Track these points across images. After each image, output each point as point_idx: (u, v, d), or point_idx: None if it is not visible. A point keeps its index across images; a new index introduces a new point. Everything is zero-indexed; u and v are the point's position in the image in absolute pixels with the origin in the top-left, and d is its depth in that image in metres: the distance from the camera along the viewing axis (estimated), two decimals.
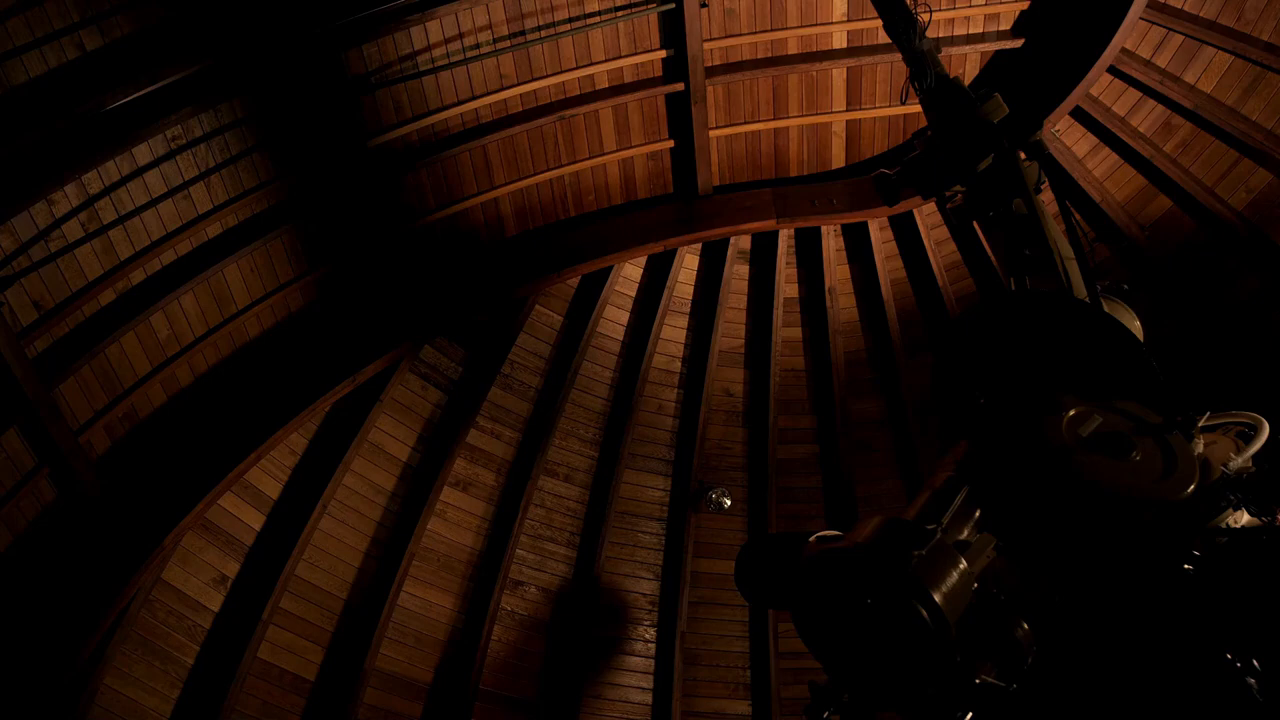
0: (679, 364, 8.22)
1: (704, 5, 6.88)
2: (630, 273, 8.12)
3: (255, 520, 6.87)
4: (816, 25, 7.20)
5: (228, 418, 6.65)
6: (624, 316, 8.15)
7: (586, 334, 7.90)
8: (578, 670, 7.62)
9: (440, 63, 6.58)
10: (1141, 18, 6.78)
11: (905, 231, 7.99)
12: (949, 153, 3.00)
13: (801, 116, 7.64)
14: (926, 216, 7.86)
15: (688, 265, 8.19)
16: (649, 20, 6.99)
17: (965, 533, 2.01)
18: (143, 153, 5.73)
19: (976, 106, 3.03)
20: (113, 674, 6.16)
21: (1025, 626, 1.78)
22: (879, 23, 7.01)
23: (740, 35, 7.18)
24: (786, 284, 8.14)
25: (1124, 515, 1.92)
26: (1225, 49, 6.70)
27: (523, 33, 6.73)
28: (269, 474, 6.92)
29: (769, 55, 7.36)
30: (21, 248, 5.40)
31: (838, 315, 8.08)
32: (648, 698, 7.76)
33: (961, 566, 1.79)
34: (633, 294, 8.16)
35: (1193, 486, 1.99)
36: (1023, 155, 3.08)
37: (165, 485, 6.36)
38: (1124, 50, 6.97)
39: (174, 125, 5.76)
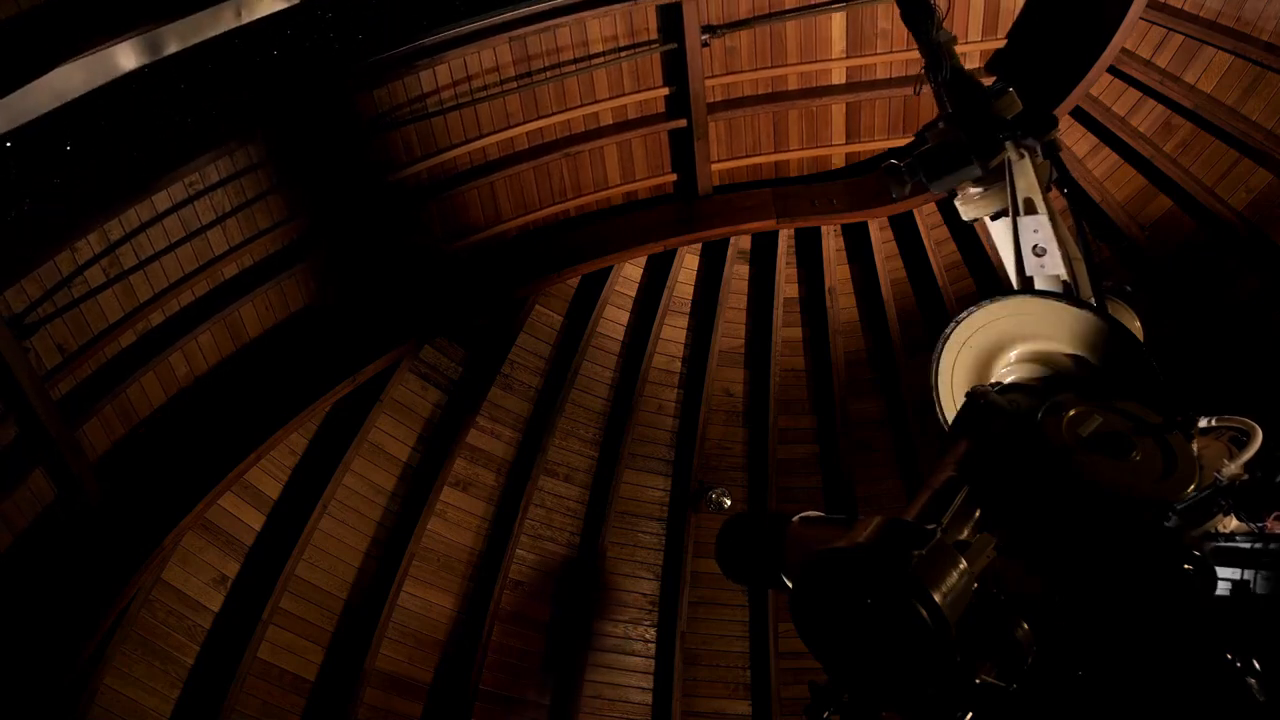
0: (679, 364, 8.22)
1: (706, 45, 6.97)
2: (630, 273, 8.12)
3: (255, 520, 6.86)
4: (816, 62, 7.33)
5: (228, 418, 6.66)
6: (624, 316, 8.15)
7: (586, 334, 7.90)
8: (578, 670, 7.62)
9: (449, 104, 6.74)
10: (1141, 18, 6.78)
11: (905, 231, 8.00)
12: (961, 148, 2.96)
13: (802, 150, 7.77)
14: (926, 216, 7.87)
15: (688, 265, 8.19)
16: (652, 59, 7.13)
17: (965, 533, 2.01)
18: (162, 199, 5.90)
19: (991, 101, 2.98)
20: (113, 674, 6.16)
21: (1025, 626, 1.78)
22: (877, 59, 7.34)
23: (741, 72, 7.32)
24: (786, 284, 8.15)
25: (1124, 515, 1.93)
26: (1225, 49, 6.70)
27: (529, 74, 6.87)
28: (269, 474, 6.92)
29: (770, 91, 7.51)
30: (46, 294, 5.54)
31: (838, 315, 8.08)
32: (648, 698, 7.76)
33: (961, 566, 1.79)
34: (633, 294, 8.16)
35: (1193, 486, 1.99)
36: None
37: (165, 485, 6.35)
38: (1124, 50, 6.97)
39: (192, 172, 5.92)
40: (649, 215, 7.81)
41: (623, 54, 6.99)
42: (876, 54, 7.29)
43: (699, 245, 8.09)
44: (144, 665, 6.31)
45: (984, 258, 7.84)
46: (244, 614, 6.67)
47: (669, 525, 8.04)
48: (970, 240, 7.89)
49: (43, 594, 5.86)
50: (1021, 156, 2.85)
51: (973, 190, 3.05)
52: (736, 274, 8.18)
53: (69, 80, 4.93)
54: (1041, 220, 2.82)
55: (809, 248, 8.09)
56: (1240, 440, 2.31)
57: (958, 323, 2.74)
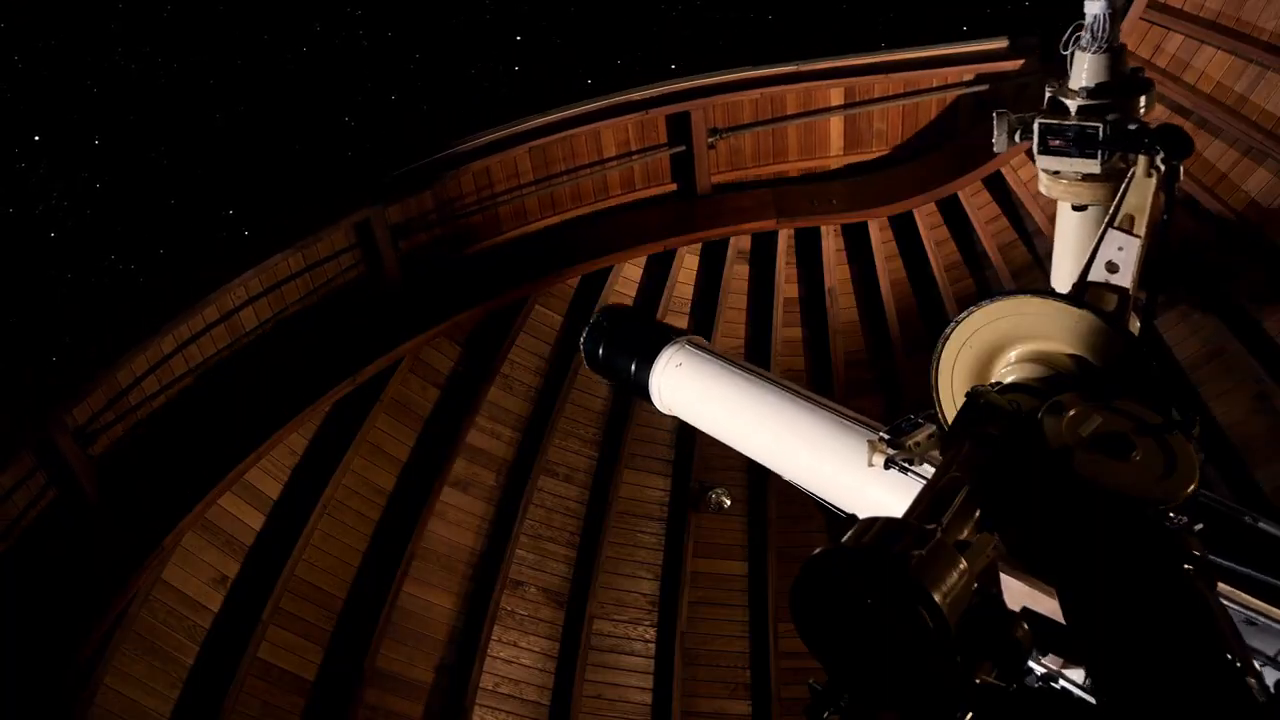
0: None
1: (712, 146, 7.52)
2: (630, 273, 8.12)
3: (255, 520, 6.86)
4: (815, 158, 7.83)
5: (228, 417, 6.66)
6: None
7: None
8: (577, 670, 7.62)
9: (472, 208, 7.26)
10: (1141, 18, 6.78)
11: (905, 231, 8.00)
12: (1092, 138, 2.69)
13: None
14: (926, 216, 7.87)
15: (687, 265, 8.18)
16: (661, 159, 7.72)
17: (965, 533, 2.01)
18: (210, 313, 6.46)
19: (1140, 94, 2.77)
20: (113, 674, 6.16)
21: (1025, 626, 1.78)
22: (873, 154, 7.74)
23: (745, 168, 7.78)
24: (786, 284, 8.14)
25: (1124, 515, 1.93)
26: (1225, 49, 6.70)
27: (547, 178, 7.44)
28: (269, 474, 6.92)
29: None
30: (107, 404, 6.15)
31: (838, 315, 8.08)
32: (648, 698, 7.76)
33: (961, 566, 1.79)
34: (632, 294, 8.16)
35: (1193, 487, 1.99)
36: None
37: (165, 485, 6.36)
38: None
39: (238, 288, 6.49)
40: (649, 215, 7.82)
41: (634, 157, 7.62)
42: (873, 150, 7.77)
43: (699, 245, 8.09)
44: (144, 665, 6.30)
45: (984, 258, 7.84)
46: (244, 614, 6.67)
47: (669, 525, 8.03)
48: (970, 240, 7.89)
49: (43, 594, 5.86)
50: (1150, 175, 2.66)
51: (1071, 173, 2.83)
52: (736, 274, 8.17)
53: None
54: (1132, 242, 2.66)
55: (809, 248, 8.09)
56: None
57: (958, 323, 2.73)
